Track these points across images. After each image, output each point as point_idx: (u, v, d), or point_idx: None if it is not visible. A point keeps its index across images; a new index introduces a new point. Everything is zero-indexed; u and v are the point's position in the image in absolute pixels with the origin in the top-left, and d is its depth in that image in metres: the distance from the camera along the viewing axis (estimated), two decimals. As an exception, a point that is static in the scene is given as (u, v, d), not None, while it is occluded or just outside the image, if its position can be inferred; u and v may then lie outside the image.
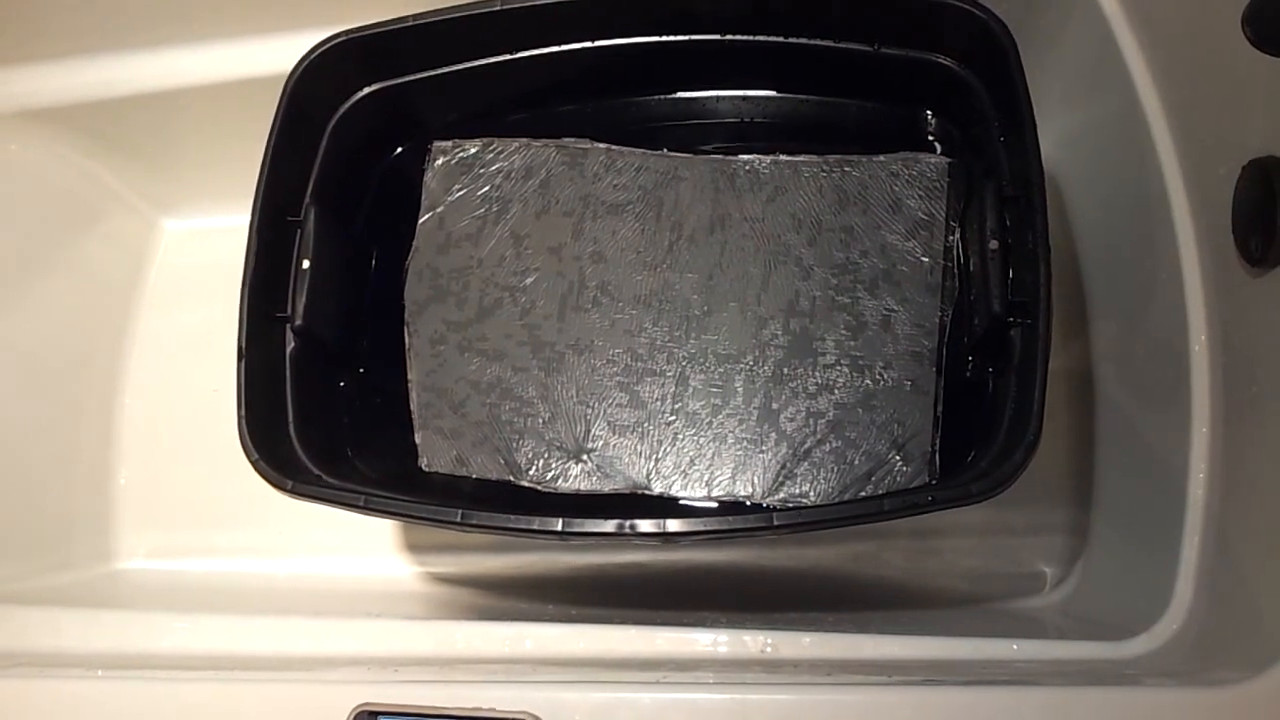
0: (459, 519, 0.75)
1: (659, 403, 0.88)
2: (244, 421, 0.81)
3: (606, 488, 0.86)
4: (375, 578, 1.10)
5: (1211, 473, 0.79)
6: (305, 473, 0.83)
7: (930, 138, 0.95)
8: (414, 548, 1.11)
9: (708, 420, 0.87)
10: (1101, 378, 1.02)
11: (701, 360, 0.88)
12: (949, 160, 0.91)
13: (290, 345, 0.88)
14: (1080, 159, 1.04)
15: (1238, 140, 0.76)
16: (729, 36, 0.92)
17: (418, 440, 0.90)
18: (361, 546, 1.11)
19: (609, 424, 0.88)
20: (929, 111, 0.95)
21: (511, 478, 0.88)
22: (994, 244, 0.82)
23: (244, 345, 0.83)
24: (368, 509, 0.77)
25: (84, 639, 0.88)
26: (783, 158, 0.93)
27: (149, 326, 1.25)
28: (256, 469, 0.79)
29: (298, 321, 0.87)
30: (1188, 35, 0.85)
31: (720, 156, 0.94)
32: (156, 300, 1.27)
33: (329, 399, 0.93)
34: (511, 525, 0.75)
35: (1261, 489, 0.74)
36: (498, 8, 0.89)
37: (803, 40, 0.92)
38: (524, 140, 0.96)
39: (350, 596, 1.09)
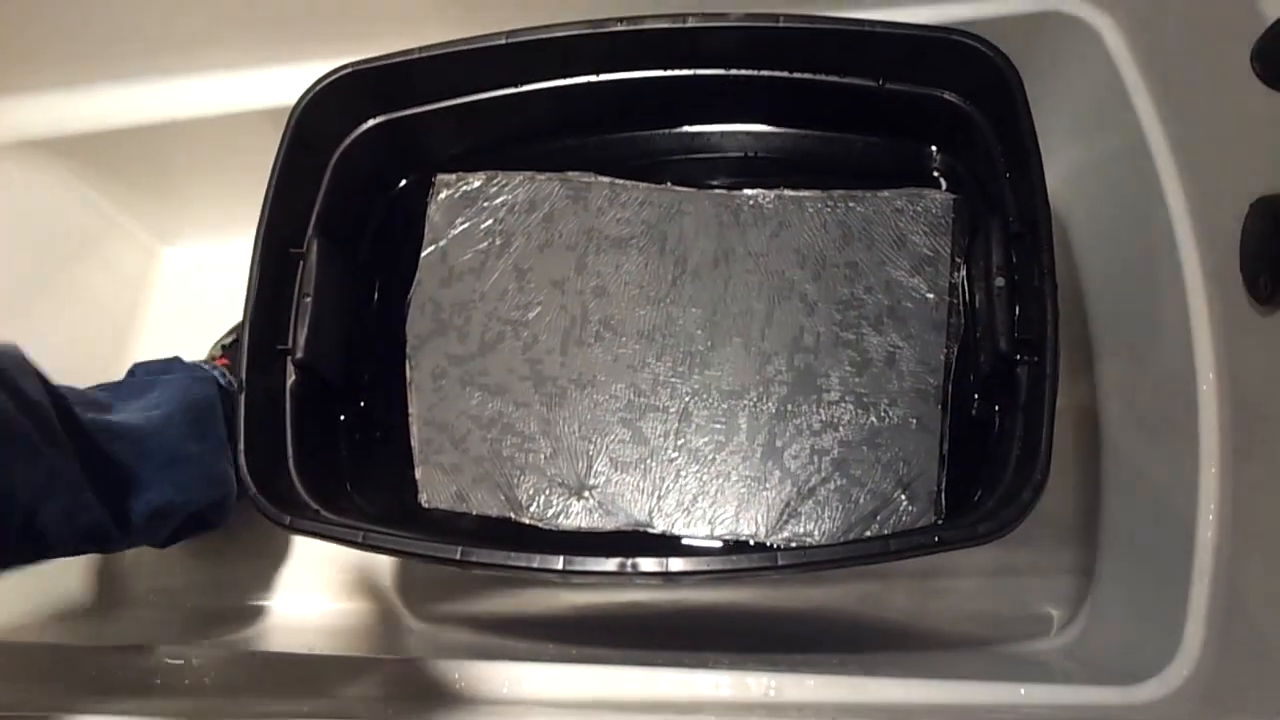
0: (459, 556, 0.74)
1: (662, 439, 0.87)
2: (243, 455, 0.80)
3: (608, 525, 0.85)
4: (369, 615, 1.09)
5: (1221, 514, 0.78)
6: (303, 507, 0.82)
7: (935, 173, 0.95)
8: (413, 584, 1.09)
9: (711, 457, 0.86)
10: (1108, 416, 1.01)
11: (705, 396, 0.88)
12: (954, 196, 0.91)
13: (291, 378, 0.87)
14: (1086, 195, 1.04)
15: (1245, 177, 0.75)
16: (733, 71, 0.92)
17: (418, 476, 0.89)
18: (360, 583, 1.10)
19: (611, 460, 0.87)
20: (934, 147, 0.95)
21: (512, 514, 0.87)
22: (1000, 281, 0.81)
23: (245, 378, 0.82)
24: (366, 545, 0.76)
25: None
26: (787, 193, 0.93)
27: (147, 356, 1.24)
28: (255, 503, 0.78)
29: (299, 354, 0.86)
30: (1194, 71, 0.85)
31: (724, 191, 0.94)
32: (155, 329, 1.27)
33: (329, 433, 0.92)
34: (512, 563, 0.74)
35: (1272, 529, 0.73)
36: (503, 41, 0.89)
37: (807, 75, 0.92)
38: (528, 173, 0.96)
39: (343, 633, 1.07)
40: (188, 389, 0.96)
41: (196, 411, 0.94)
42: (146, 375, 0.99)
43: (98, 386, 0.94)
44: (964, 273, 0.89)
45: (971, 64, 0.85)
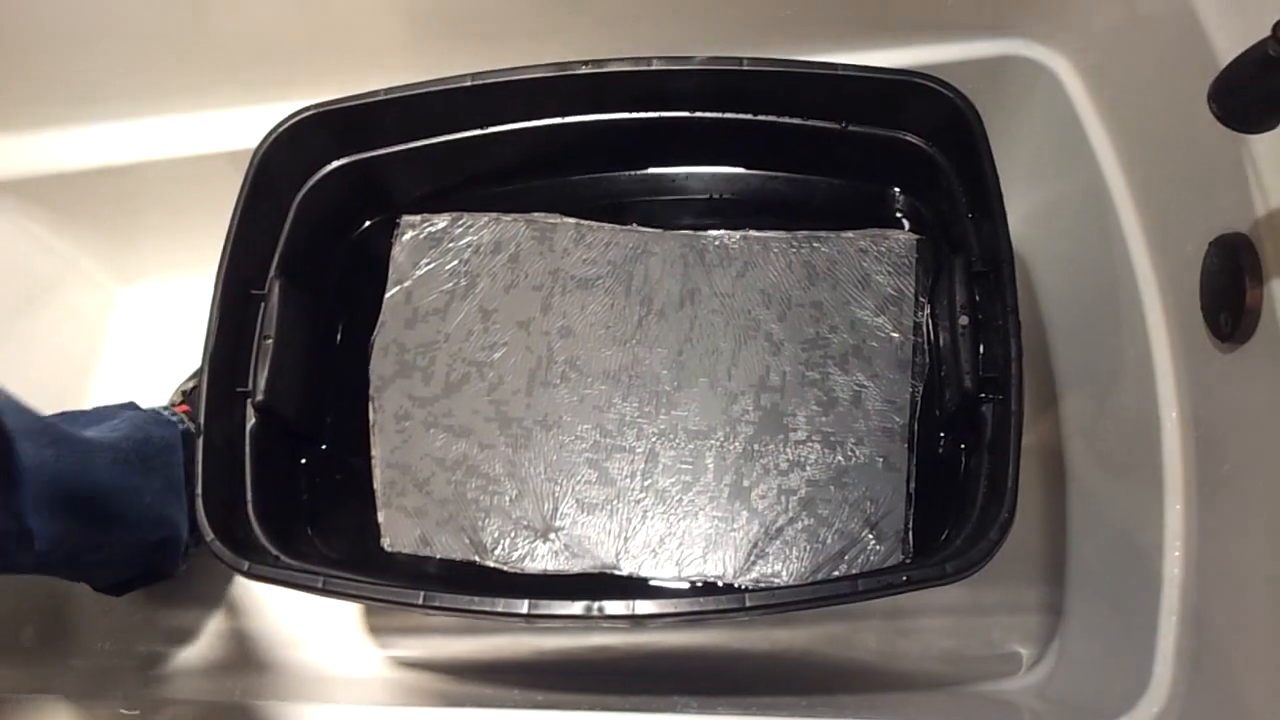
0: (421, 601, 0.73)
1: (628, 480, 0.86)
2: (201, 500, 0.78)
3: (574, 568, 0.84)
4: (334, 662, 1.07)
5: (1187, 550, 0.78)
6: (263, 553, 0.81)
7: (898, 214, 0.96)
8: (376, 630, 1.07)
9: (678, 498, 0.85)
10: (1072, 454, 1.01)
11: (671, 436, 0.87)
12: (917, 236, 0.92)
13: (251, 421, 0.86)
14: (1047, 235, 1.05)
15: (1204, 216, 0.76)
16: (698, 114, 0.93)
17: (380, 519, 0.88)
18: (322, 629, 1.08)
19: (577, 502, 0.86)
20: (897, 188, 0.96)
21: (477, 558, 0.85)
22: (964, 320, 0.82)
23: (205, 421, 0.81)
24: (326, 591, 0.75)
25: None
26: (752, 233, 0.93)
27: (107, 398, 1.22)
28: (212, 549, 0.76)
29: (259, 397, 0.85)
30: (1152, 113, 0.86)
31: (690, 232, 0.94)
32: (113, 372, 1.25)
33: (289, 476, 0.90)
34: (475, 608, 0.73)
35: (1238, 566, 0.73)
36: (468, 84, 0.89)
37: (771, 118, 0.93)
38: (493, 215, 0.96)
39: (308, 681, 1.05)
40: (146, 425, 0.95)
41: (149, 448, 0.93)
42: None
43: (56, 415, 0.93)
44: (928, 312, 0.89)
45: (933, 107, 0.86)
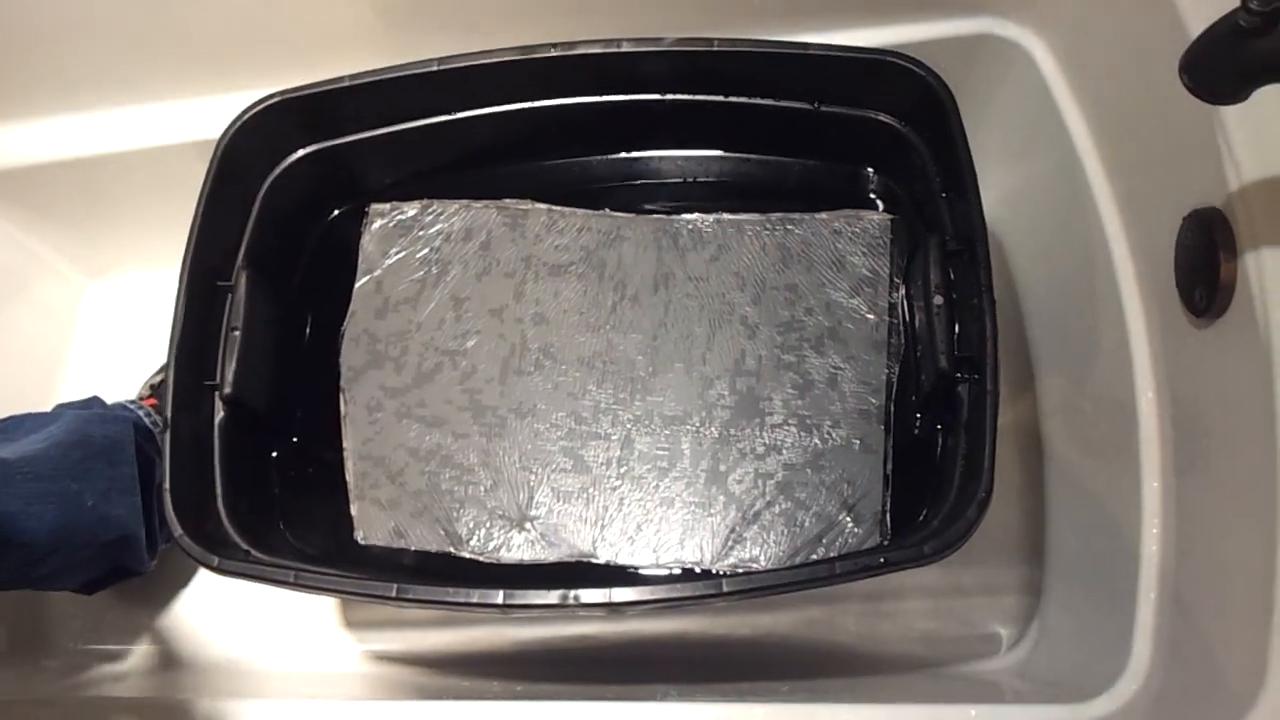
0: (394, 594, 0.72)
1: (604, 467, 0.85)
2: (170, 495, 0.77)
3: (551, 557, 0.83)
4: (312, 657, 1.06)
5: (1165, 527, 0.78)
6: (233, 548, 0.79)
7: (872, 195, 0.95)
8: (353, 624, 1.06)
9: (654, 484, 0.85)
10: (1050, 433, 1.01)
11: (647, 422, 0.86)
12: (891, 217, 0.91)
13: (219, 414, 0.85)
14: (1022, 214, 1.05)
15: (1177, 191, 0.76)
16: (669, 96, 0.92)
17: (354, 512, 0.87)
18: (298, 624, 1.07)
19: (553, 490, 0.85)
20: (870, 169, 0.95)
21: (452, 549, 0.84)
22: (938, 299, 0.81)
23: (171, 414, 0.80)
24: (298, 585, 0.74)
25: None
26: (725, 216, 0.92)
27: (75, 394, 1.21)
28: (181, 545, 0.75)
29: (227, 390, 0.83)
30: (1125, 89, 0.86)
31: (663, 216, 0.93)
32: (82, 368, 1.24)
33: (260, 470, 0.89)
34: (450, 599, 0.72)
35: (1215, 542, 0.73)
36: (435, 68, 0.88)
37: (743, 99, 0.92)
38: (464, 201, 0.95)
39: (286, 677, 1.04)
40: (82, 427, 0.93)
41: (86, 450, 0.91)
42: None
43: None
44: (903, 293, 0.88)
45: (906, 86, 0.86)
